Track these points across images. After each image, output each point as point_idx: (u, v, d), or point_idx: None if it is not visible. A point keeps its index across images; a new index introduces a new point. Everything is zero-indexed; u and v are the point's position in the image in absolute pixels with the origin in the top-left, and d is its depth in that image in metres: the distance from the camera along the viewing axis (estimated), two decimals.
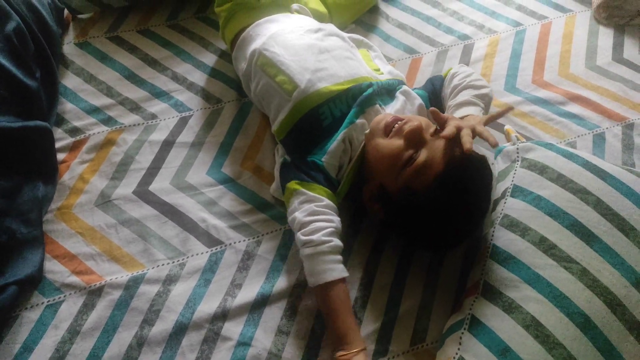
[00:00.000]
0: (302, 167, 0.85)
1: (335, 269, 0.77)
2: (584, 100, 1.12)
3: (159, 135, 1.01)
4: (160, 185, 0.95)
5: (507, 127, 0.99)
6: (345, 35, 1.00)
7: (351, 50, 0.97)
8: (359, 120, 0.87)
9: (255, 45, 0.95)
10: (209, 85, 1.09)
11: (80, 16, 1.18)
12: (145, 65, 1.11)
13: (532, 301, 0.73)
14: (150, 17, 1.20)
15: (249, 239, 0.90)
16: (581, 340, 0.70)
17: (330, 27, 1.00)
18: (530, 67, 1.18)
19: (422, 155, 0.77)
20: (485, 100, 0.93)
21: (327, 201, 0.81)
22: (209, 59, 1.14)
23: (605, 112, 1.11)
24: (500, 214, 0.84)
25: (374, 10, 1.27)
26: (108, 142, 0.99)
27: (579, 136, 1.07)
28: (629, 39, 1.24)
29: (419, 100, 0.93)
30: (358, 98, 0.88)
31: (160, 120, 1.03)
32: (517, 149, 0.91)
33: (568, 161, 0.85)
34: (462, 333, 0.75)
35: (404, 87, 0.94)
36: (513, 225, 0.80)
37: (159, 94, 1.07)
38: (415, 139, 0.78)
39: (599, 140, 1.06)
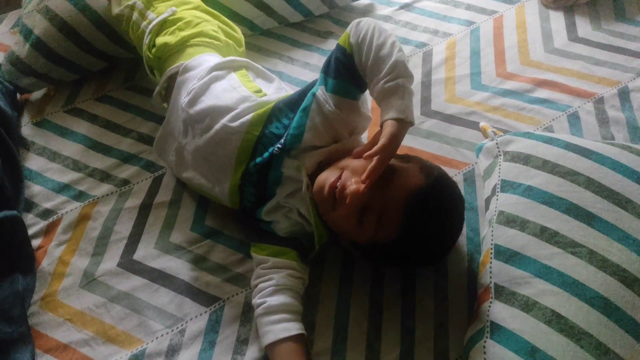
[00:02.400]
0: (258, 226, 0.86)
1: (271, 331, 0.74)
2: (550, 83, 1.13)
3: (135, 200, 0.97)
4: (145, 252, 0.90)
5: (482, 124, 0.99)
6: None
7: (229, 81, 0.91)
8: (285, 173, 0.83)
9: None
10: None
11: (34, 95, 1.16)
12: (108, 132, 1.08)
13: (548, 294, 0.70)
14: (106, 83, 1.18)
15: (246, 290, 0.86)
16: (607, 324, 0.67)
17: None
18: (492, 62, 1.19)
19: (371, 215, 0.74)
20: (399, 70, 0.75)
21: (272, 260, 0.80)
22: None
23: (574, 92, 1.11)
24: (495, 211, 0.82)
25: (328, 34, 1.28)
26: (83, 218, 0.95)
27: (553, 120, 1.07)
28: (579, 18, 1.27)
29: (325, 108, 0.80)
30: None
31: (134, 184, 1.00)
32: (497, 143, 0.90)
33: (549, 146, 0.84)
34: (485, 342, 0.71)
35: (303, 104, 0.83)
36: (510, 220, 0.79)
37: (127, 158, 1.04)
38: (359, 203, 0.73)
39: (574, 120, 1.06)
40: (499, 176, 0.86)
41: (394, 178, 0.75)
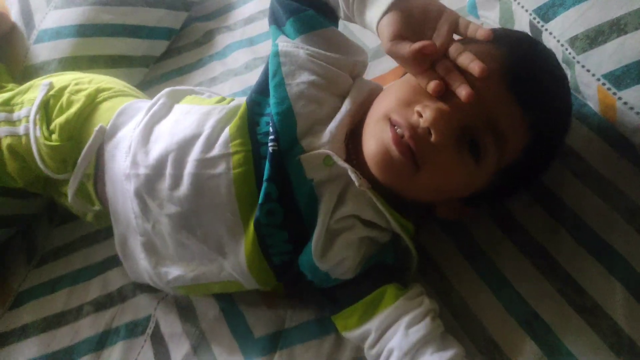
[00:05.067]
0: (320, 289, 0.58)
1: None
2: None
3: None
4: None
5: None
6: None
7: (176, 113, 0.65)
8: (315, 180, 0.54)
9: None
10: None
11: None
12: (54, 331, 0.73)
13: None
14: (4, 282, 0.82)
15: None
16: None
17: None
18: None
19: (484, 135, 0.49)
20: None
21: (374, 324, 0.53)
22: None
23: None
24: (564, 45, 0.57)
25: (211, 34, 1.01)
26: None
27: None
28: None
29: (300, 55, 0.56)
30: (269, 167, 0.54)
31: None
32: None
33: None
34: None
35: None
36: (591, 38, 0.54)
37: (101, 342, 0.70)
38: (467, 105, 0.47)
39: None
40: (527, 11, 0.63)
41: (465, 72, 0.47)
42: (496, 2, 0.71)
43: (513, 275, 0.57)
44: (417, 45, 0.47)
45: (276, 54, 0.56)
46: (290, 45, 0.57)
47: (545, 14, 0.61)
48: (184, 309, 0.68)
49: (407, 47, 0.47)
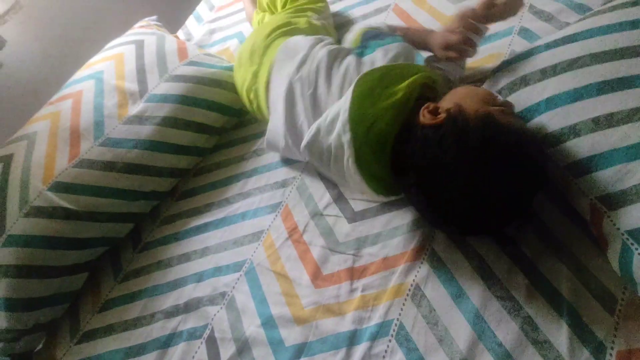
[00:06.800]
0: None
1: None
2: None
3: None
4: None
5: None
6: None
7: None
8: None
9: None
10: None
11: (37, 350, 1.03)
12: (131, 331, 0.95)
13: None
14: (99, 291, 1.06)
15: None
16: None
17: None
18: None
19: None
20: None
21: None
22: None
23: None
24: None
25: None
26: None
27: (509, 45, 1.04)
28: None
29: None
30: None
31: None
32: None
33: (533, 57, 0.83)
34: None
35: None
36: (560, 136, 0.72)
37: (167, 342, 0.91)
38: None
39: (527, 32, 1.04)
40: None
41: None
42: None
43: (488, 316, 0.73)
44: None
45: None
46: None
47: None
48: (234, 321, 0.88)
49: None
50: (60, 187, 1.03)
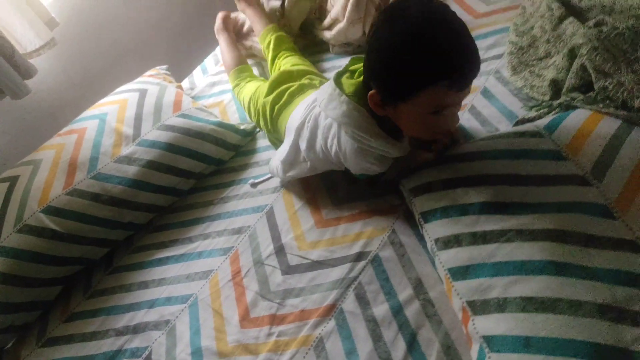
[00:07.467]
0: None
1: None
2: None
3: None
4: None
5: None
6: None
7: None
8: None
9: None
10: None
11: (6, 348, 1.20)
12: (86, 343, 1.12)
13: (510, 286, 0.77)
14: (68, 304, 1.23)
15: None
16: (564, 281, 0.74)
17: None
18: None
19: None
20: None
21: None
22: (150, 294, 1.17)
23: None
24: (431, 241, 0.91)
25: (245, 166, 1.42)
26: None
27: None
28: None
29: None
30: None
31: None
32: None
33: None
34: (489, 357, 0.74)
35: None
36: (446, 242, 0.87)
37: (112, 357, 1.07)
38: None
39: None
40: (417, 211, 0.96)
41: None
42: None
43: None
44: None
45: None
46: None
47: None
48: (170, 346, 1.03)
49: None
50: (52, 211, 1.21)
